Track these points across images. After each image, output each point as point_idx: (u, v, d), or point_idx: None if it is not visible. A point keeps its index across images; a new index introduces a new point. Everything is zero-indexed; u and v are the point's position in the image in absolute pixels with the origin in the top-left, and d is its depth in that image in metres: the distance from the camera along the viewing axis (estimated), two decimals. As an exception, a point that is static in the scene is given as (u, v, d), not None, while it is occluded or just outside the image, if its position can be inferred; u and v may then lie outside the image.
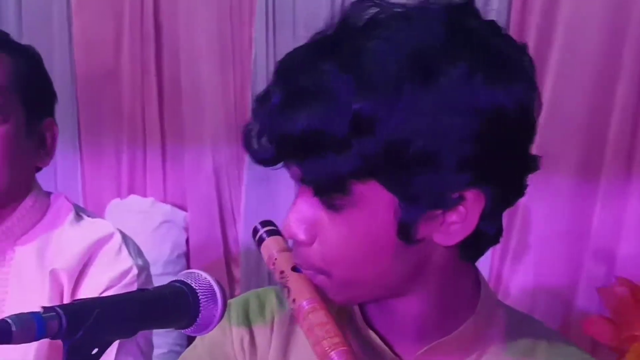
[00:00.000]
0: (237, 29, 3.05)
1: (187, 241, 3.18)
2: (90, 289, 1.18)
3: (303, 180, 0.71)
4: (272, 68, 3.01)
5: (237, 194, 3.11)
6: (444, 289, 0.75)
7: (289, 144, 0.68)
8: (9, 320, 0.55)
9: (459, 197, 0.69)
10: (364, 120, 0.64)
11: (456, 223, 0.70)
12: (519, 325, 0.81)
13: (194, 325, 0.72)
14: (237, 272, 3.14)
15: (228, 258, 3.17)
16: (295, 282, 0.76)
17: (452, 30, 0.67)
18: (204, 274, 0.73)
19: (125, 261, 1.21)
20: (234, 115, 3.09)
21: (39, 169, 1.29)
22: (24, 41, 1.34)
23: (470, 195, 0.69)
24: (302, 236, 0.73)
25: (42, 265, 1.20)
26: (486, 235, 0.73)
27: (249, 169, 2.98)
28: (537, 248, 2.69)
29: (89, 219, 1.28)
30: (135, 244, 1.28)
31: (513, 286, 2.73)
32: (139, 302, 0.66)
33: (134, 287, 1.20)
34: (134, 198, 3.23)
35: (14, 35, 1.30)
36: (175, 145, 3.22)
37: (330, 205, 0.70)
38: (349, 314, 0.81)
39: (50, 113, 1.29)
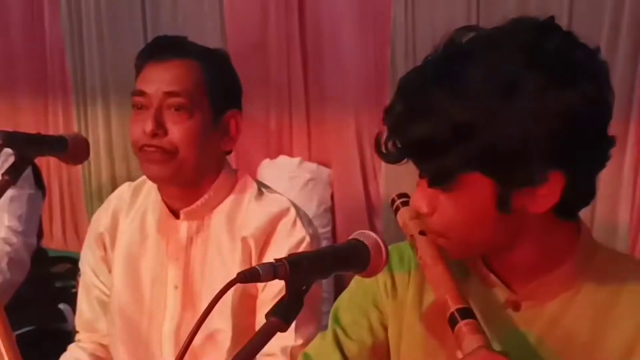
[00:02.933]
0: (376, -5, 3.15)
1: (332, 196, 3.37)
2: (273, 256, 1.40)
3: (420, 175, 0.91)
4: (410, 31, 3.06)
5: (377, 150, 3.27)
6: (544, 242, 0.93)
7: (408, 148, 0.88)
8: (257, 268, 0.80)
9: (543, 178, 0.85)
10: (463, 128, 0.83)
11: (544, 196, 0.86)
12: (614, 265, 0.96)
13: (366, 271, 0.94)
14: (379, 224, 3.32)
15: (370, 211, 3.35)
16: (421, 243, 0.96)
17: (530, 50, 0.85)
18: (373, 234, 0.94)
19: (300, 232, 1.42)
20: (374, 78, 3.21)
21: (229, 151, 1.48)
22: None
23: (552, 176, 0.85)
24: (424, 209, 0.92)
25: (232, 231, 1.43)
26: (572, 202, 0.89)
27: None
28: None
29: (269, 194, 1.48)
30: (306, 215, 1.47)
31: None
32: (332, 254, 0.89)
33: None
34: (282, 158, 3.44)
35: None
36: (318, 108, 3.39)
37: (444, 188, 0.89)
38: (473, 259, 0.99)
39: (235, 105, 1.43)
